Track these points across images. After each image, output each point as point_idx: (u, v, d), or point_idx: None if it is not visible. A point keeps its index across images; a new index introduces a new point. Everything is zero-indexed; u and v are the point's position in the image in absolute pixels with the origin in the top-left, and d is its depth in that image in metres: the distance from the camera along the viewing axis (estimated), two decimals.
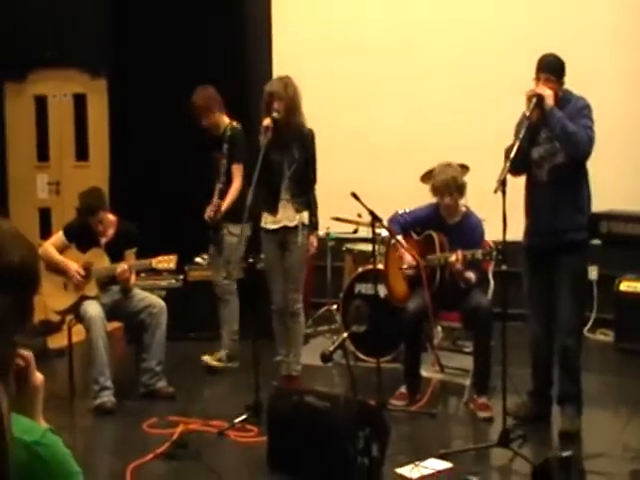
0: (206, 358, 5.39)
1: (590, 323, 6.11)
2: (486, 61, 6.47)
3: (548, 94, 4.01)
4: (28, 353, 1.25)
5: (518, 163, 4.00)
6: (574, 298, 4.15)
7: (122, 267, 4.76)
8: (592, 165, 4.20)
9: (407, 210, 4.88)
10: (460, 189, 4.62)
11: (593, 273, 6.06)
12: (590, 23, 6.29)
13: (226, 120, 5.38)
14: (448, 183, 4.57)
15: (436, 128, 6.53)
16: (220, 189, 5.32)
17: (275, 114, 4.63)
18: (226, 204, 5.25)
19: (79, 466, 1.26)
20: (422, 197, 4.84)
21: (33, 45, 7.63)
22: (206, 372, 5.34)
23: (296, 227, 4.82)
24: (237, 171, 5.29)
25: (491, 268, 4.88)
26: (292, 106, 4.69)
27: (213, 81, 5.54)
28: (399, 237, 4.67)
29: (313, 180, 4.90)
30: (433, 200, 4.72)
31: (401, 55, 6.71)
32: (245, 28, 6.99)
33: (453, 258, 4.40)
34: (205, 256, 6.17)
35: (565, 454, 3.43)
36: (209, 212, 5.29)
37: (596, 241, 5.46)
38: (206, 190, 5.41)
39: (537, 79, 4.10)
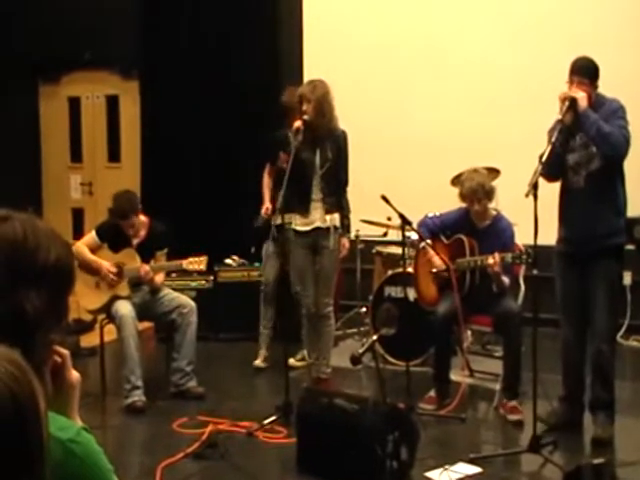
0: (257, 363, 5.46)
1: (623, 329, 6.03)
2: (518, 64, 6.42)
3: (581, 96, 3.96)
4: (64, 351, 1.27)
5: (553, 168, 3.97)
6: (610, 303, 4.09)
7: (144, 268, 4.80)
8: (624, 168, 4.15)
9: (437, 214, 4.86)
10: (488, 194, 4.58)
11: (627, 279, 5.98)
12: (624, 24, 6.20)
13: None
14: (475, 190, 4.54)
15: (467, 131, 6.49)
16: None
17: (305, 116, 4.64)
18: None
19: (111, 464, 1.27)
20: (452, 200, 4.80)
21: (66, 48, 7.74)
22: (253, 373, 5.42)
23: (328, 229, 4.82)
24: None
25: (522, 272, 4.84)
26: (320, 108, 4.67)
27: (244, 84, 5.53)
28: (428, 241, 4.65)
29: (345, 182, 4.89)
30: (463, 204, 4.70)
31: (432, 58, 6.68)
32: (277, 31, 7.01)
33: (491, 260, 4.37)
34: (235, 257, 6.19)
35: (597, 461, 3.39)
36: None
37: (630, 246, 5.38)
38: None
39: (570, 82, 4.06)
